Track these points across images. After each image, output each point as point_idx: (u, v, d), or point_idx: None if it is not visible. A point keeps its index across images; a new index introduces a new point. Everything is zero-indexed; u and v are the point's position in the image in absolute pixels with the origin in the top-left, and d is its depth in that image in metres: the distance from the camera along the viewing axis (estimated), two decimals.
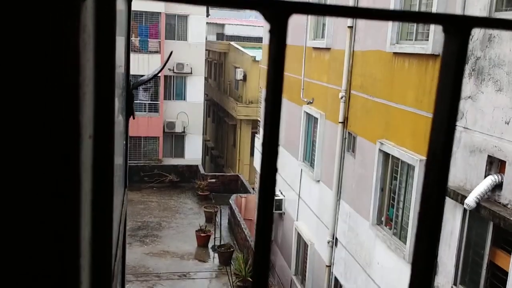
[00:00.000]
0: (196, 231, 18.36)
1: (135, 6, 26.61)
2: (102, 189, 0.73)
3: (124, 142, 1.78)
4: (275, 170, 0.42)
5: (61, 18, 0.45)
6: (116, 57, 1.39)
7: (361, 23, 10.12)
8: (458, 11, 6.93)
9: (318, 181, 12.26)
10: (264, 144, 0.40)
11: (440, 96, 0.45)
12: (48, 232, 0.51)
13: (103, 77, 0.69)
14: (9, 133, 0.48)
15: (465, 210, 6.64)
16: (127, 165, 1.89)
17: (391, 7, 8.71)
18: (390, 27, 8.76)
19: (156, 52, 25.86)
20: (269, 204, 0.44)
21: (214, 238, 18.05)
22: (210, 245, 18.21)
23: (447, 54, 0.44)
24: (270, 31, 0.39)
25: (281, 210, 14.91)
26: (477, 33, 6.60)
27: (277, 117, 0.40)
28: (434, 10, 7.49)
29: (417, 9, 8.25)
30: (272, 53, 0.39)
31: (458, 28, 0.44)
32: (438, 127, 0.45)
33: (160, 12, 25.76)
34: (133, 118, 1.82)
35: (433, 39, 7.47)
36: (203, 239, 18.15)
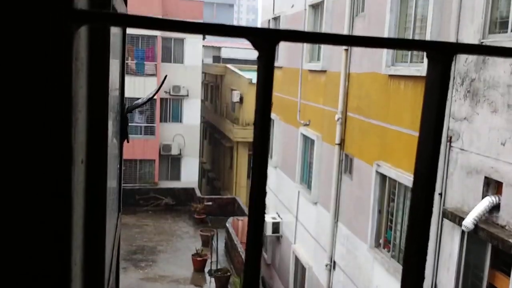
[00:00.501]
0: (192, 255, 18.17)
1: (131, 30, 26.91)
2: (95, 214, 0.71)
3: (118, 166, 1.76)
4: (264, 192, 0.41)
5: (53, 46, 0.45)
6: (111, 80, 1.38)
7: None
8: (452, 33, 7.01)
9: (316, 203, 12.20)
10: (253, 169, 0.39)
11: (425, 120, 0.45)
12: (38, 258, 0.50)
13: (96, 103, 0.68)
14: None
15: (463, 232, 6.60)
16: (121, 189, 1.87)
17: (386, 29, 8.81)
18: (385, 50, 8.85)
19: (153, 75, 26.00)
20: (259, 230, 0.42)
21: (211, 262, 17.85)
22: (206, 269, 18.00)
23: (431, 79, 0.45)
24: (258, 58, 0.39)
25: (279, 233, 14.80)
26: (471, 55, 6.67)
27: (266, 140, 0.39)
28: (428, 32, 7.58)
29: (411, 31, 8.35)
30: (260, 79, 0.38)
31: (440, 55, 0.44)
32: (423, 152, 0.45)
33: (157, 36, 26.00)
34: (127, 141, 1.80)
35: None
36: (199, 264, 17.94)
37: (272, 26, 15.95)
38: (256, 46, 0.40)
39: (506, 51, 0.50)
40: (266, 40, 0.39)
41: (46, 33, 0.44)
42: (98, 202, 0.73)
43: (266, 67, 0.39)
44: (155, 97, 25.95)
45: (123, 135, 1.72)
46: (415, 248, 0.46)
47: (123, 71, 1.77)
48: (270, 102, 0.41)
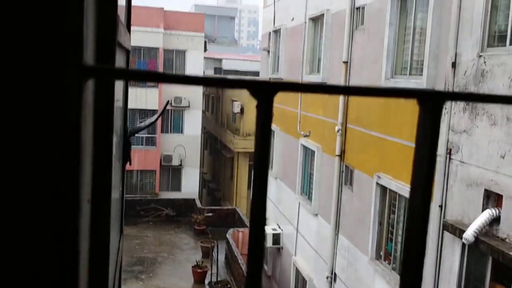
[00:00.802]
0: (192, 266, 18.10)
1: (134, 42, 26.93)
2: (99, 251, 0.74)
3: (121, 188, 1.79)
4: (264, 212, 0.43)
5: (63, 100, 0.48)
6: (116, 105, 1.42)
7: (356, 58, 10.29)
8: (451, 46, 7.06)
9: (316, 214, 12.19)
10: (251, 219, 0.42)
11: (417, 166, 0.48)
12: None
13: (101, 143, 0.71)
14: (10, 198, 0.49)
15: (463, 244, 6.60)
16: (123, 212, 1.90)
17: (385, 42, 8.87)
18: (384, 61, 8.91)
19: (154, 86, 26.10)
20: (260, 241, 0.45)
21: (211, 274, 17.78)
22: (206, 281, 17.92)
23: (422, 126, 0.48)
24: (257, 107, 0.42)
25: (279, 244, 14.76)
26: (470, 68, 6.71)
27: (265, 182, 0.41)
28: (427, 45, 7.63)
29: (410, 44, 8.40)
30: (259, 127, 0.41)
31: (431, 102, 0.47)
32: (415, 196, 0.48)
33: (158, 48, 26.14)
34: (130, 164, 1.83)
35: (427, 74, 7.58)
36: (199, 275, 17.87)
37: (272, 38, 16.05)
38: (255, 96, 0.43)
39: (499, 98, 0.52)
40: (265, 91, 0.42)
41: (57, 87, 0.47)
42: (102, 241, 0.75)
43: (264, 116, 0.42)
44: (156, 108, 26.01)
45: (126, 158, 1.75)
46: (412, 258, 0.49)
47: (127, 93, 1.81)
48: (268, 147, 0.44)
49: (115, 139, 1.39)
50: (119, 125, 1.57)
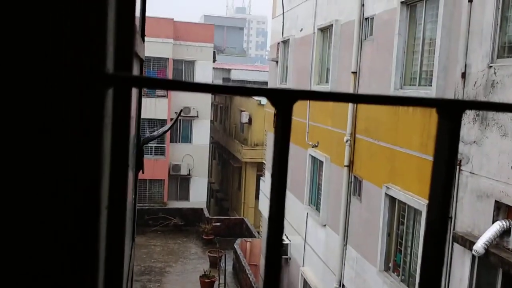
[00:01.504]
0: (200, 276, 18.05)
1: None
2: (114, 259, 0.74)
3: (133, 196, 1.80)
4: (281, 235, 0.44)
5: (86, 108, 0.49)
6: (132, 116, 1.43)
7: (365, 68, 10.29)
8: (460, 57, 7.05)
9: (324, 225, 12.13)
10: (269, 229, 0.42)
11: (435, 177, 0.48)
12: None
13: (118, 150, 0.72)
14: (33, 206, 0.50)
15: (473, 256, 6.53)
16: (135, 219, 1.91)
17: (394, 53, 8.87)
18: (393, 72, 8.90)
19: (164, 96, 26.25)
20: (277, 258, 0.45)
21: (219, 284, 17.71)
22: None
23: (441, 135, 0.47)
24: (276, 115, 0.43)
25: (287, 255, 14.69)
26: (479, 79, 6.68)
27: (283, 195, 0.42)
28: (436, 55, 7.62)
29: (419, 55, 8.40)
30: (278, 135, 0.42)
31: (450, 111, 0.46)
32: (433, 208, 0.48)
33: (168, 58, 26.32)
34: (143, 172, 1.85)
35: (437, 84, 7.56)
36: (207, 285, 17.81)
37: (281, 49, 16.11)
38: (274, 104, 0.44)
39: None
40: (284, 99, 0.43)
41: (81, 95, 0.48)
42: (117, 249, 0.76)
43: (284, 124, 0.43)
44: (165, 117, 26.13)
45: (139, 166, 1.76)
46: (429, 275, 0.49)
47: (140, 102, 1.83)
48: (287, 155, 0.45)
49: (130, 148, 1.40)
50: (133, 134, 1.59)
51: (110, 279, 0.74)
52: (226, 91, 0.42)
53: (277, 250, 0.42)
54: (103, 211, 0.59)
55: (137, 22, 1.69)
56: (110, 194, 0.70)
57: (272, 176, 0.43)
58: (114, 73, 0.51)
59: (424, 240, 0.53)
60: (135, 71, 1.29)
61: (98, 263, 0.52)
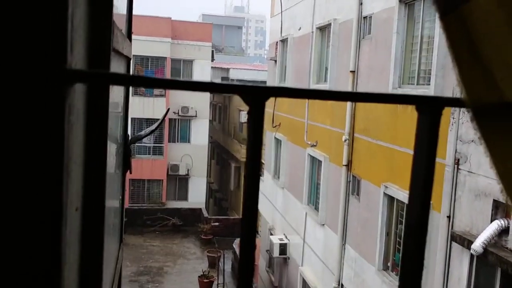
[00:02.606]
0: (198, 276, 18.05)
1: (141, 51, 27.03)
2: (91, 260, 0.72)
3: (120, 197, 1.78)
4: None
5: (46, 106, 0.47)
6: (116, 112, 1.41)
7: (363, 67, 10.28)
8: None
9: (323, 224, 12.12)
10: (242, 226, 0.41)
11: (415, 172, 0.47)
12: None
13: (95, 148, 0.70)
14: None
15: (472, 255, 6.52)
16: (123, 220, 1.88)
17: (392, 52, 8.86)
18: (392, 70, 8.89)
19: (161, 95, 26.23)
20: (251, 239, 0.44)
21: (217, 284, 17.71)
22: None
23: (421, 131, 0.47)
24: (248, 113, 0.41)
25: (286, 254, 14.68)
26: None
27: (256, 192, 0.40)
28: (435, 54, 7.61)
29: (418, 53, 8.38)
30: (251, 132, 0.40)
31: (430, 108, 0.46)
32: (414, 202, 0.46)
33: (166, 57, 26.30)
34: (130, 172, 1.83)
35: (435, 83, 7.55)
36: (206, 285, 17.80)
37: (280, 48, 16.09)
38: (246, 102, 0.42)
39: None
40: (256, 96, 0.41)
41: (38, 91, 0.46)
42: (95, 250, 0.74)
43: (256, 120, 0.41)
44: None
45: (126, 166, 1.74)
46: (411, 265, 0.47)
47: (127, 101, 1.80)
48: (260, 152, 0.43)
49: (115, 147, 1.37)
50: (120, 133, 1.57)
51: (87, 281, 0.72)
52: (196, 88, 0.39)
53: (252, 228, 0.40)
54: (71, 213, 0.57)
55: (123, 19, 1.67)
56: (85, 195, 0.68)
57: (246, 172, 0.41)
58: (78, 69, 0.49)
59: (405, 233, 0.51)
60: (119, 69, 1.27)
61: (61, 265, 0.50)
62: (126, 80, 0.39)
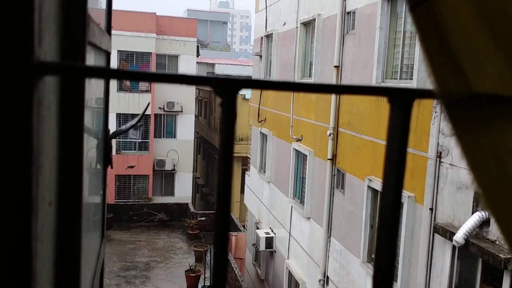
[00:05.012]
0: (185, 271, 18.05)
1: (126, 47, 26.76)
2: (68, 255, 0.73)
3: (102, 192, 1.78)
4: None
5: (12, 99, 0.47)
6: (95, 105, 1.42)
7: (347, 62, 10.34)
8: None
9: (309, 218, 12.21)
10: (216, 216, 0.43)
11: (387, 164, 0.48)
12: None
13: (69, 141, 0.70)
14: None
15: (454, 247, 6.63)
16: (104, 215, 1.89)
17: (376, 47, 8.93)
18: (375, 65, 8.96)
19: (147, 91, 26.06)
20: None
21: (204, 278, 17.73)
22: (200, 285, 17.86)
23: (392, 123, 0.47)
24: (221, 105, 0.43)
25: (272, 248, 14.75)
26: None
27: (228, 186, 0.43)
28: (417, 49, 7.69)
29: (401, 48, 8.46)
30: (223, 125, 0.42)
31: (401, 100, 0.47)
32: (386, 193, 0.48)
33: (151, 52, 26.12)
34: (111, 167, 1.84)
35: (417, 78, 7.64)
36: (192, 280, 17.81)
37: (265, 43, 16.09)
38: (218, 93, 0.44)
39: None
40: (227, 88, 0.43)
41: (4, 85, 0.46)
42: (72, 243, 0.75)
43: (228, 112, 0.43)
44: (149, 112, 25.95)
45: (107, 161, 1.75)
46: (384, 253, 0.49)
47: (108, 94, 1.81)
48: (232, 144, 0.45)
49: (95, 142, 1.38)
50: (100, 128, 1.57)
51: (63, 277, 0.74)
52: (167, 80, 0.42)
53: (225, 217, 0.42)
54: (43, 207, 0.58)
55: (101, 14, 1.67)
56: (60, 189, 0.69)
57: (218, 166, 0.44)
58: (45, 61, 0.50)
59: (378, 224, 0.53)
60: (96, 63, 1.27)
61: (31, 260, 0.51)
62: (96, 72, 0.41)
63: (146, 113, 25.41)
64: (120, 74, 0.41)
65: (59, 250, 0.71)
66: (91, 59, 1.09)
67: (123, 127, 2.74)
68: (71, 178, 0.73)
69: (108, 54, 1.61)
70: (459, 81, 0.46)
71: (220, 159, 0.45)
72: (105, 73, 0.41)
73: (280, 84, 0.49)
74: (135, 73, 0.42)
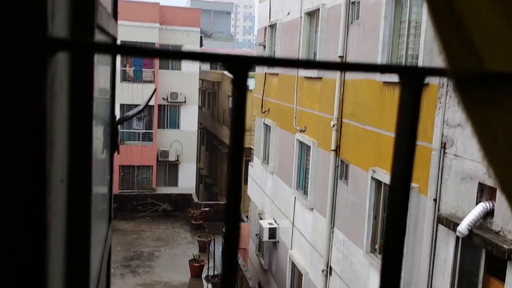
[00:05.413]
0: (189, 261, 18.15)
1: (129, 37, 26.73)
2: (78, 232, 0.74)
3: (109, 176, 1.79)
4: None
5: (26, 75, 0.47)
6: (102, 92, 1.42)
7: (352, 52, 10.29)
8: None
9: (312, 209, 12.23)
10: (228, 187, 0.43)
11: (397, 143, 0.48)
12: (13, 280, 0.51)
13: (79, 121, 0.71)
14: None
15: (457, 237, 6.64)
16: (111, 200, 1.90)
17: (380, 37, 8.88)
18: (379, 55, 8.91)
19: (150, 81, 26.05)
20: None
21: (208, 268, 17.83)
22: (203, 275, 17.97)
23: (403, 103, 0.47)
24: (232, 82, 0.43)
25: (275, 238, 14.80)
26: None
27: (239, 160, 0.42)
28: (422, 39, 7.64)
29: (405, 38, 8.41)
30: (234, 102, 0.42)
31: (412, 78, 0.46)
32: (396, 177, 0.47)
33: (154, 43, 26.07)
34: (118, 153, 1.84)
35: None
36: (196, 269, 17.92)
37: (268, 33, 16.02)
38: (230, 71, 0.44)
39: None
40: (239, 65, 0.43)
41: (18, 60, 0.47)
42: (82, 220, 0.75)
43: (239, 91, 0.43)
44: (153, 103, 25.98)
45: (114, 146, 1.75)
46: (392, 245, 0.49)
47: (114, 83, 1.81)
48: (243, 123, 0.45)
49: (102, 127, 1.39)
50: (107, 113, 1.58)
51: (74, 250, 0.74)
52: (177, 57, 0.41)
53: (236, 202, 0.42)
54: (55, 184, 0.58)
55: (108, 0, 1.66)
56: (71, 168, 0.70)
57: (229, 148, 0.44)
58: (58, 37, 0.50)
59: (388, 208, 0.53)
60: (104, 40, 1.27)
61: (46, 232, 0.52)
62: (107, 49, 0.41)
63: (150, 104, 25.41)
64: (130, 51, 0.41)
65: (70, 225, 0.72)
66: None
67: (130, 112, 2.76)
68: (81, 156, 0.74)
69: (114, 40, 1.62)
70: (471, 57, 0.46)
71: (231, 137, 0.45)
72: (115, 49, 0.41)
73: (291, 62, 0.49)
74: (146, 49, 0.42)
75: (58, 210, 0.63)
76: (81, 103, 0.72)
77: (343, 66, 0.52)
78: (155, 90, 3.77)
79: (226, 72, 30.84)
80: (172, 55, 0.42)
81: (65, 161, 0.68)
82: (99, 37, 1.02)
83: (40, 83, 0.47)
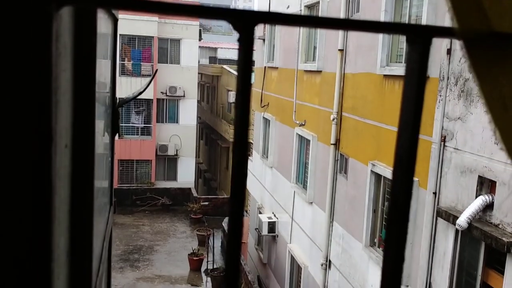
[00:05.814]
0: (188, 254, 18.18)
1: (128, 31, 26.65)
2: (81, 197, 0.73)
3: (110, 158, 1.78)
4: (245, 173, 0.44)
5: (31, 27, 0.46)
6: (102, 75, 1.41)
7: (352, 46, 10.26)
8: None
9: (311, 203, 12.24)
10: (234, 151, 0.42)
11: (405, 104, 0.47)
12: (18, 239, 0.51)
13: (82, 88, 0.70)
14: None
15: (457, 230, 6.65)
16: (112, 184, 1.90)
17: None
18: (380, 49, 8.89)
19: (149, 75, 25.97)
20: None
21: (207, 261, 17.86)
22: (203, 268, 18.01)
23: (410, 62, 0.46)
24: (238, 40, 0.41)
25: (275, 232, 14.82)
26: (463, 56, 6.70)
27: (246, 121, 0.41)
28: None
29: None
30: (240, 60, 0.41)
31: (419, 37, 0.46)
32: (403, 139, 0.47)
33: (153, 36, 25.99)
34: (119, 136, 1.83)
35: None
36: (195, 263, 17.95)
37: (268, 27, 15.98)
38: (235, 28, 0.42)
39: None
40: (246, 21, 0.41)
41: (23, 14, 0.46)
42: (85, 185, 0.75)
43: (245, 48, 0.42)
44: (151, 97, 25.89)
45: (115, 128, 1.75)
46: (395, 237, 0.48)
47: (115, 67, 1.80)
48: (249, 82, 0.44)
49: (103, 108, 1.38)
50: (108, 96, 1.57)
51: (77, 211, 0.73)
52: (178, 12, 0.40)
53: (241, 177, 0.41)
54: (60, 148, 0.57)
55: None
56: (74, 134, 0.69)
57: (235, 106, 0.42)
58: None
59: (391, 194, 0.52)
60: (105, 28, 1.26)
61: (51, 193, 0.51)
62: (112, 1, 0.39)
63: (148, 97, 25.37)
64: (134, 3, 0.40)
65: (74, 189, 0.71)
66: (101, 23, 1.07)
67: (130, 94, 2.74)
68: (85, 120, 0.73)
69: (115, 21, 1.60)
70: (479, 16, 0.45)
71: (237, 101, 0.43)
72: (124, 3, 0.40)
73: (299, 18, 0.47)
74: (152, 3, 0.40)
75: (63, 174, 0.63)
76: (85, 64, 0.71)
77: (348, 23, 0.50)
78: (156, 70, 3.75)
79: (224, 66, 30.69)
80: (177, 10, 0.40)
81: (69, 127, 0.67)
82: (101, 17, 1.00)
83: (45, 37, 0.46)
